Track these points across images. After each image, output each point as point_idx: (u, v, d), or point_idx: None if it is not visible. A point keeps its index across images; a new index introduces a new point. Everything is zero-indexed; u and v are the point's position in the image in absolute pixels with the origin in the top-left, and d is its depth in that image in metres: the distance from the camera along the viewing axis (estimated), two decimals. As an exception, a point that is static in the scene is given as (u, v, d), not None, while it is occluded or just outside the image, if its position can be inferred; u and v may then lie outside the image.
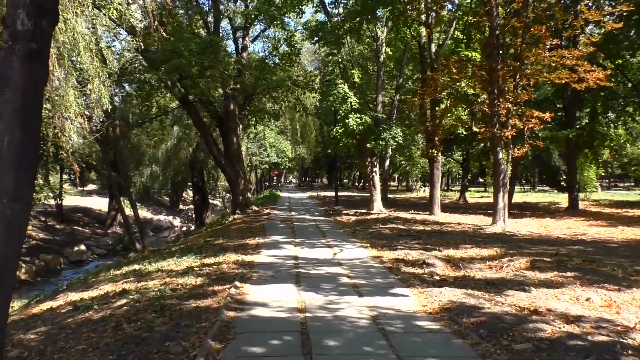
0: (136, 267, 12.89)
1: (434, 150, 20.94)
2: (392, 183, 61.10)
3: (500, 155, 16.84)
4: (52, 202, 33.87)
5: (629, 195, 38.71)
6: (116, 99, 25.63)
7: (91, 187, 58.39)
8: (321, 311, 6.83)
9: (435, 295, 7.62)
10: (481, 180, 53.03)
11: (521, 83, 16.77)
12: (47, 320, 8.36)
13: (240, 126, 26.61)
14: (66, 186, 52.14)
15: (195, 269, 10.60)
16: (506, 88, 16.79)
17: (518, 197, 39.02)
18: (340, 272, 9.72)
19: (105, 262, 27.24)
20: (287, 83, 26.74)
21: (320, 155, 65.23)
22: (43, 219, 33.83)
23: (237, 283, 8.52)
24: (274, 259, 11.42)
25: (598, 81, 15.64)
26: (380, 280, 8.89)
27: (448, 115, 21.00)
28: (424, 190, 50.03)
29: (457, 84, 19.18)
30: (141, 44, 14.12)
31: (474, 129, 17.36)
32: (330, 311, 6.82)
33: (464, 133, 22.46)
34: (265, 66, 24.09)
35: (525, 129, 16.38)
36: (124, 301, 8.20)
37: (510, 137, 16.79)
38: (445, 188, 62.11)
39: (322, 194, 46.23)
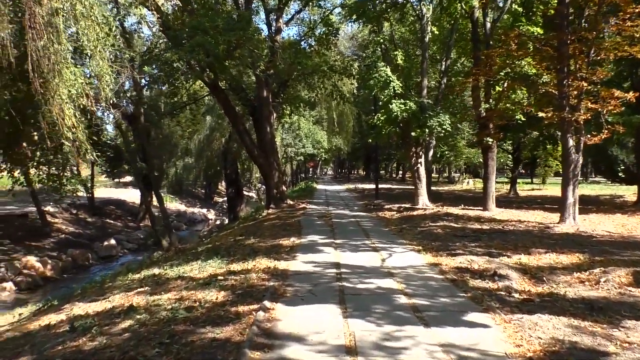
0: (156, 271, 11.37)
1: (489, 138, 18.74)
2: (433, 175, 58.63)
3: (571, 142, 14.59)
4: (83, 194, 33.04)
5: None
6: (143, 83, 24.43)
7: (128, 178, 57.91)
8: (378, 353, 5.00)
9: (528, 328, 5.68)
10: (522, 171, 49.83)
11: (597, 59, 14.45)
12: (36, 345, 6.88)
13: (274, 115, 24.93)
14: (102, 178, 51.94)
15: (220, 277, 8.95)
16: (578, 65, 14.52)
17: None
18: (393, 286, 7.86)
19: (134, 258, 26.18)
20: (323, 68, 25.00)
21: (357, 146, 63.17)
22: (74, 212, 33.05)
23: (266, 303, 6.77)
24: (311, 266, 9.64)
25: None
26: (447, 300, 6.99)
27: (505, 98, 18.69)
28: (468, 183, 47.50)
29: (517, 62, 16.92)
30: (159, 18, 12.47)
31: (540, 113, 15.04)
32: (390, 353, 4.98)
33: (522, 119, 20.20)
34: (300, 50, 22.26)
35: (604, 111, 14.07)
36: (127, 324, 6.63)
37: (582, 122, 14.54)
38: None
39: (360, 186, 44.26)
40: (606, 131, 14.24)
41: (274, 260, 10.22)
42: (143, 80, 24.12)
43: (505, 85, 18.46)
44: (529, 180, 50.48)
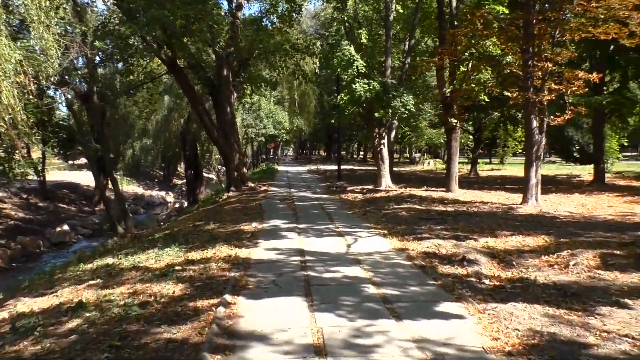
0: (109, 260, 10.71)
1: (453, 119, 18.58)
2: (394, 155, 58.83)
3: (534, 123, 14.55)
4: (34, 177, 31.49)
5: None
6: (97, 60, 23.24)
7: (83, 161, 55.73)
8: (348, 352, 4.64)
9: (504, 318, 5.44)
10: (481, 152, 50.43)
11: (561, 40, 14.36)
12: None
13: (235, 94, 24.16)
14: (55, 160, 49.84)
15: (177, 268, 8.43)
16: (543, 46, 14.41)
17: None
18: (360, 274, 7.53)
19: (89, 244, 25.16)
20: (285, 47, 24.31)
21: (319, 127, 62.68)
22: (24, 196, 31.55)
23: (227, 297, 6.32)
24: (274, 253, 9.21)
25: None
26: (418, 289, 6.70)
27: (469, 79, 18.51)
28: (429, 163, 47.82)
29: (482, 42, 16.72)
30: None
31: (506, 93, 14.90)
32: (361, 352, 4.63)
33: (486, 100, 20.11)
34: (261, 26, 21.49)
35: (568, 92, 14.02)
36: (75, 323, 6.08)
37: (546, 103, 14.50)
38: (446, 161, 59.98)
39: (322, 167, 43.89)
40: (570, 112, 14.24)
41: (235, 248, 9.75)
42: (97, 58, 23.00)
43: (470, 65, 18.26)
44: (488, 160, 51.25)
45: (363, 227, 12.14)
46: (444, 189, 19.83)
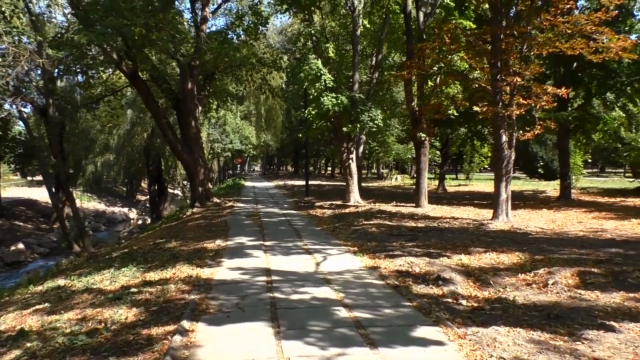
0: (61, 282, 9.94)
1: (422, 133, 18.38)
2: (362, 171, 58.70)
3: (504, 138, 14.43)
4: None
5: (613, 182, 37.30)
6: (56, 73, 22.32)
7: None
8: (319, 388, 4.15)
9: (487, 345, 5.02)
10: (447, 167, 50.87)
11: (529, 54, 14.34)
12: None
13: (200, 108, 23.54)
14: (13, 176, 47.93)
15: (133, 290, 7.79)
16: (510, 60, 14.35)
17: (491, 186, 37.20)
18: (331, 296, 7.04)
19: (46, 263, 24.02)
20: (252, 61, 23.88)
21: (286, 142, 62.24)
22: (-24, 213, 30.05)
23: (184, 323, 5.74)
24: (239, 273, 8.64)
25: (621, 52, 13.26)
26: (392, 312, 6.24)
27: (437, 93, 18.39)
28: (396, 179, 47.84)
29: (450, 57, 16.63)
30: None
31: (475, 108, 14.77)
32: (334, 387, 4.14)
33: (455, 114, 20.04)
34: (226, 39, 21.00)
35: (537, 107, 13.95)
36: (13, 355, 5.48)
37: (514, 118, 14.42)
38: (414, 176, 60.24)
39: (289, 182, 43.40)
40: (539, 127, 14.17)
41: (196, 268, 9.14)
42: (55, 70, 22.10)
43: (438, 80, 18.15)
44: (454, 176, 51.65)
45: (332, 244, 11.68)
46: (414, 205, 19.57)
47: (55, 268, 15.00)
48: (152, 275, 8.83)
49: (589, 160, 39.25)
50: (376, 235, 12.71)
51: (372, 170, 68.52)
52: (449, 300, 6.85)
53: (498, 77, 14.26)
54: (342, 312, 6.20)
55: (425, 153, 19.09)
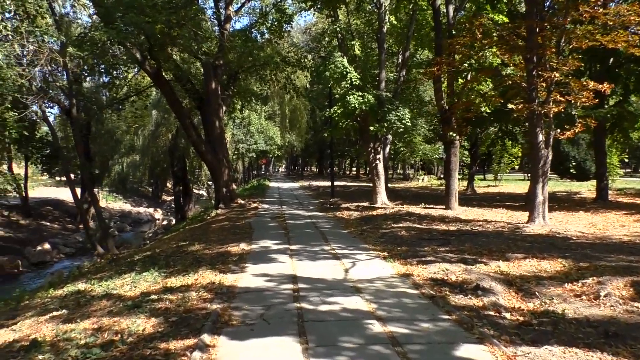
0: (81, 286, 9.67)
1: (452, 133, 17.72)
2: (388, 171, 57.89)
3: (540, 137, 13.70)
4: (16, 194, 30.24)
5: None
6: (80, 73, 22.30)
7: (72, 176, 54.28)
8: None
9: (541, 368, 4.47)
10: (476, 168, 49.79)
11: (567, 48, 13.60)
12: None
13: (224, 108, 23.24)
14: (42, 177, 48.47)
15: (153, 297, 7.43)
16: (547, 55, 13.62)
17: (521, 186, 36.10)
18: (362, 307, 6.53)
19: (71, 264, 24.03)
20: (276, 60, 23.53)
21: (310, 142, 61.84)
22: (5, 213, 30.28)
23: (205, 338, 5.31)
24: (263, 280, 8.20)
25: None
26: (430, 327, 5.71)
27: (469, 90, 17.67)
28: (423, 179, 47.00)
29: (482, 52, 15.93)
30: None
31: (510, 105, 14.08)
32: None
33: (487, 112, 19.31)
34: (249, 37, 20.65)
35: (578, 103, 13.21)
36: (21, 370, 5.06)
37: (552, 116, 13.70)
38: (441, 177, 59.22)
39: (314, 183, 42.97)
40: (580, 125, 13.42)
41: (219, 273, 8.73)
42: (79, 70, 22.07)
43: (469, 77, 17.46)
44: (482, 176, 50.53)
45: (361, 249, 11.17)
46: (443, 207, 18.90)
47: (77, 270, 14.79)
48: (174, 281, 8.47)
49: (626, 160, 37.81)
50: (406, 239, 12.15)
51: (398, 170, 67.63)
52: (491, 313, 6.29)
53: (534, 72, 13.55)
54: (376, 326, 5.69)
55: (456, 153, 18.41)
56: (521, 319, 6.05)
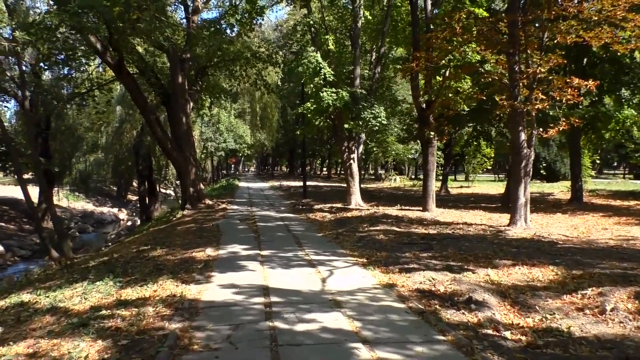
0: (26, 297, 8.61)
1: (430, 132, 17.08)
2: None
3: (523, 136, 13.17)
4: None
5: (618, 184, 36.18)
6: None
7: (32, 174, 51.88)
8: None
9: (564, 407, 3.74)
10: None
11: (550, 44, 13.10)
12: None
13: (191, 104, 22.15)
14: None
15: (104, 312, 6.51)
16: (528, 51, 13.08)
17: (494, 187, 35.97)
18: (344, 325, 5.71)
19: (26, 267, 22.59)
20: (246, 55, 22.61)
21: (281, 142, 60.84)
22: (-45, 214, 28.50)
23: (159, 369, 4.43)
24: (231, 292, 7.30)
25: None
26: (425, 351, 4.92)
27: (447, 88, 17.03)
28: (395, 180, 46.58)
29: (461, 48, 15.31)
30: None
31: (497, 98, 13.52)
32: None
33: (465, 110, 18.77)
34: (219, 30, 19.61)
35: (563, 100, 12.69)
36: None
37: (534, 114, 13.18)
38: (413, 177, 59.07)
39: (285, 183, 42.02)
40: (564, 123, 12.90)
41: (181, 284, 7.81)
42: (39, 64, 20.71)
43: (448, 73, 16.84)
44: (452, 177, 50.41)
45: (338, 255, 10.36)
46: (420, 208, 18.25)
47: (25, 278, 13.58)
48: (129, 293, 7.52)
49: (597, 161, 38.04)
50: (385, 243, 11.40)
51: (370, 171, 67.18)
52: (490, 331, 5.57)
53: (516, 68, 13.00)
54: (362, 352, 4.88)
55: (433, 153, 17.77)
56: (524, 338, 5.35)
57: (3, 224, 30.67)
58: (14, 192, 38.83)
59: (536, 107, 12.62)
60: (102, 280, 8.61)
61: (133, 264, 10.19)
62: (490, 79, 14.40)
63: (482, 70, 15.16)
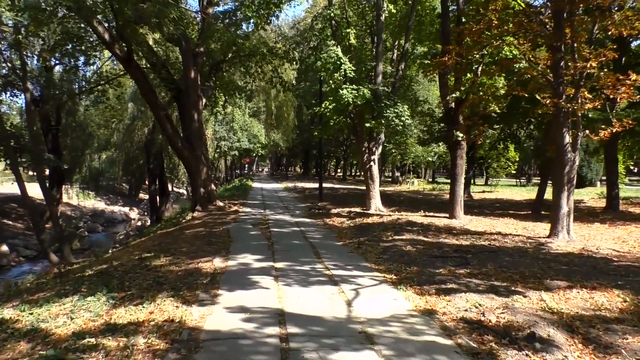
0: (8, 313, 7.52)
1: (458, 132, 15.78)
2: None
3: (567, 138, 11.83)
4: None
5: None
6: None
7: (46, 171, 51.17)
8: None
9: None
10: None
11: (600, 37, 11.76)
12: None
13: (204, 100, 21.07)
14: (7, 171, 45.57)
15: (87, 341, 5.43)
16: (575, 45, 11.75)
17: (517, 192, 34.47)
18: (381, 372, 4.52)
19: (31, 268, 21.75)
20: (262, 50, 21.56)
21: (296, 142, 59.72)
22: (-38, 211, 27.74)
23: None
24: (240, 318, 6.11)
25: None
26: (494, 418, 3.71)
27: (479, 85, 15.72)
28: (413, 183, 45.20)
29: (497, 42, 13.97)
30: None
31: (537, 97, 12.22)
32: None
33: (497, 111, 17.48)
34: (234, 23, 18.57)
35: (618, 99, 11.35)
36: None
37: (580, 114, 11.85)
38: (431, 180, 57.68)
39: (300, 184, 40.87)
40: (618, 125, 11.53)
41: (182, 305, 6.66)
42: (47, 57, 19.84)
43: (480, 70, 15.51)
44: (472, 181, 48.85)
45: (362, 269, 9.13)
46: (446, 215, 16.94)
47: (14, 288, 12.51)
48: (121, 314, 6.41)
49: (631, 167, 36.30)
50: (414, 256, 10.14)
51: (386, 173, 65.76)
52: (569, 386, 4.33)
53: (561, 63, 11.67)
54: (411, 419, 3.67)
55: (462, 155, 16.41)
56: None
57: (10, 222, 29.88)
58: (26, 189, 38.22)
59: (586, 106, 11.28)
60: (94, 295, 7.53)
61: (132, 274, 9.06)
62: (529, 75, 13.05)
63: (522, 65, 13.80)
